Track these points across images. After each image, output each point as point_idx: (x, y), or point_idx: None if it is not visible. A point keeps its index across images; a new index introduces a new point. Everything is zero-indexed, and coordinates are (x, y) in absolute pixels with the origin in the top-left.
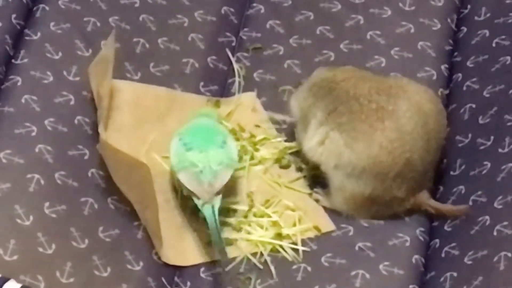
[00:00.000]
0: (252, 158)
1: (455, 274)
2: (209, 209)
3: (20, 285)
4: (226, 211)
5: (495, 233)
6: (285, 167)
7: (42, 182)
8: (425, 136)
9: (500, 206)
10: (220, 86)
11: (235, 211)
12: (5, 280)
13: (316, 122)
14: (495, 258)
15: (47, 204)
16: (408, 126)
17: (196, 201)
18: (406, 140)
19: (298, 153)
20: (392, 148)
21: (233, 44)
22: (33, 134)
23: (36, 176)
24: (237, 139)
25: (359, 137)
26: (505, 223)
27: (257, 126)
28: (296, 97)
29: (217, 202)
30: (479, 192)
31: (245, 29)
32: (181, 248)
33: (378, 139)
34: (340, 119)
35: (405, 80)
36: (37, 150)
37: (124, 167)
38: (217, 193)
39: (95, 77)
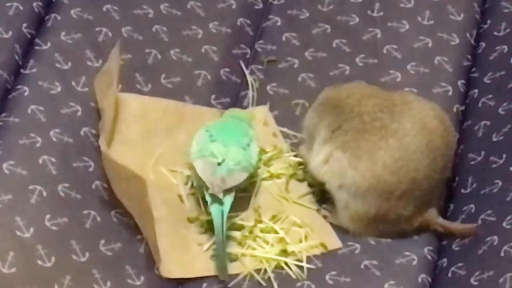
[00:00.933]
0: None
1: None
2: (218, 209)
3: None
4: (232, 225)
5: (502, 254)
6: (301, 181)
7: (44, 194)
8: (431, 154)
9: (508, 226)
10: (232, 99)
11: (241, 225)
12: None
13: (320, 140)
14: (501, 280)
15: (48, 216)
16: (413, 144)
17: (205, 193)
18: (411, 158)
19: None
20: (397, 167)
21: (248, 56)
22: (38, 145)
23: (39, 187)
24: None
25: (363, 156)
26: None
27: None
28: (306, 117)
29: (227, 203)
30: (489, 211)
31: (260, 41)
32: (185, 260)
33: (382, 158)
34: (344, 137)
35: (411, 97)
36: (40, 161)
37: (124, 180)
38: (228, 192)
39: (100, 89)
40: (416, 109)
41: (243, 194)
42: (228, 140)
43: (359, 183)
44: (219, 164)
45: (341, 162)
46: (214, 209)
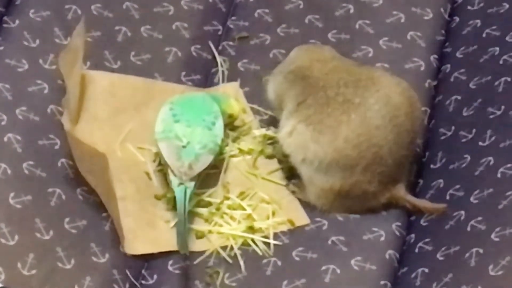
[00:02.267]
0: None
1: (426, 270)
2: (182, 191)
3: None
4: (199, 202)
5: (468, 229)
6: (270, 157)
7: (9, 171)
8: (395, 129)
9: (476, 201)
10: (203, 75)
11: (208, 202)
12: None
13: (287, 112)
14: (467, 254)
15: (12, 194)
16: (375, 119)
17: (171, 176)
18: (373, 133)
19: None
20: (358, 142)
21: (219, 33)
22: (3, 123)
23: (3, 165)
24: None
25: (325, 131)
26: (479, 218)
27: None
28: (273, 80)
29: (191, 186)
30: (457, 186)
31: (233, 18)
32: (152, 236)
33: (344, 133)
34: (307, 111)
35: (378, 72)
36: (5, 139)
37: (87, 157)
38: (194, 178)
39: (64, 67)
40: (381, 84)
41: (212, 170)
42: (192, 120)
43: (321, 157)
44: (184, 147)
45: (304, 135)
46: (178, 191)
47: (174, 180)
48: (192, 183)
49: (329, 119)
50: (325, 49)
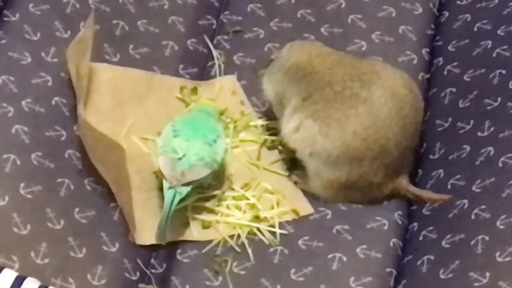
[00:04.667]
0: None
1: (432, 257)
2: (171, 194)
3: None
4: (205, 193)
5: (472, 217)
6: (271, 148)
7: (18, 162)
8: (401, 121)
9: (478, 190)
10: (199, 69)
11: (213, 195)
12: None
13: (290, 108)
14: (472, 242)
15: (22, 184)
16: (382, 112)
17: (164, 182)
18: (381, 126)
19: (277, 135)
20: (366, 135)
21: (214, 27)
22: (10, 114)
23: (12, 156)
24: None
25: (333, 125)
26: (483, 206)
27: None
28: (270, 79)
29: (183, 191)
30: (458, 176)
31: (226, 12)
32: None
33: (352, 126)
34: (314, 106)
35: (380, 65)
36: (13, 130)
37: (102, 148)
38: (187, 184)
39: (74, 57)
40: (386, 77)
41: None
42: (192, 135)
43: (330, 151)
44: (179, 159)
45: (311, 130)
46: (167, 194)
47: (165, 184)
48: (184, 191)
49: (337, 113)
50: (317, 44)
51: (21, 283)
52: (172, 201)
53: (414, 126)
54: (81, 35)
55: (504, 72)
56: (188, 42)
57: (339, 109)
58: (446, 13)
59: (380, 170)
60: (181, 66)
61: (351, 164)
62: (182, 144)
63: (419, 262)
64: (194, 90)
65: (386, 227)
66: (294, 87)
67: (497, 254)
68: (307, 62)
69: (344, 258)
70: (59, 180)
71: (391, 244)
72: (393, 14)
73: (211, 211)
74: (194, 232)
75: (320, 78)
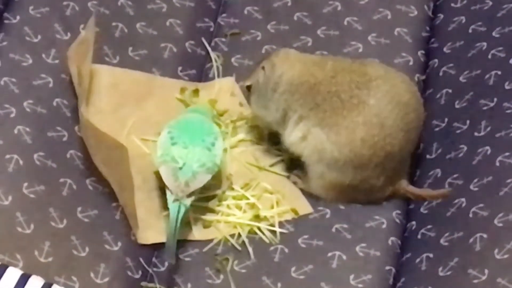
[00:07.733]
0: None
1: (431, 255)
2: (176, 207)
3: None
4: (204, 193)
5: (471, 215)
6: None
7: (21, 162)
8: (405, 127)
9: (476, 189)
10: (198, 70)
11: (213, 195)
12: None
13: (296, 117)
14: (471, 240)
15: (25, 184)
16: (389, 119)
17: (168, 194)
18: (388, 133)
19: (276, 137)
20: (373, 142)
21: (211, 29)
22: (12, 115)
23: (15, 156)
24: (217, 124)
25: (342, 132)
26: (481, 205)
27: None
28: (264, 105)
29: (187, 202)
30: (456, 175)
31: (223, 15)
32: (159, 226)
33: (360, 134)
34: (322, 115)
35: (382, 70)
36: (16, 131)
37: (104, 147)
38: (190, 194)
39: (76, 59)
40: (390, 83)
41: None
42: (190, 141)
43: (338, 158)
44: (180, 168)
45: (320, 138)
46: (172, 207)
47: (169, 197)
48: (189, 201)
49: (345, 121)
50: (294, 51)
51: (26, 281)
52: (177, 215)
53: (417, 131)
54: (82, 36)
55: (499, 72)
56: (186, 44)
57: (346, 117)
58: (441, 16)
59: (383, 174)
60: (179, 68)
61: (356, 169)
62: (181, 152)
63: (418, 260)
64: (196, 92)
65: (384, 226)
66: (298, 100)
67: (496, 251)
68: (304, 73)
69: (344, 256)
70: (61, 180)
71: (390, 242)
72: (389, 17)
73: (212, 210)
74: (195, 232)
75: (326, 88)
